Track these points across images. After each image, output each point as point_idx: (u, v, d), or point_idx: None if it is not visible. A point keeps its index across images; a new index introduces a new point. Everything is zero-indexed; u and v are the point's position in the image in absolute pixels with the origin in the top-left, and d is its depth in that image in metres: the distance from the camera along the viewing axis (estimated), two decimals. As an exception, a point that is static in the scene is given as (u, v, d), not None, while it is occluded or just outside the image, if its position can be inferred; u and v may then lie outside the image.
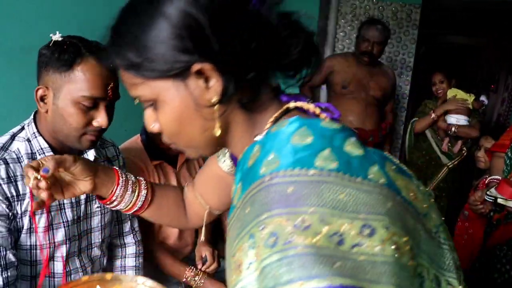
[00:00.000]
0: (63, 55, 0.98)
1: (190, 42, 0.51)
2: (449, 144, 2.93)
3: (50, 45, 1.01)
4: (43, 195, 0.74)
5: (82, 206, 1.16)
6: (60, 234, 1.10)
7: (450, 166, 2.91)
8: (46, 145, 1.07)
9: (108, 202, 0.85)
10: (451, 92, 2.93)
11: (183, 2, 0.51)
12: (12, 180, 1.01)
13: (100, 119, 1.03)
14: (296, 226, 0.44)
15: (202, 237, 0.95)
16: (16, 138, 1.07)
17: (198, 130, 0.58)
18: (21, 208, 1.02)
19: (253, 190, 0.50)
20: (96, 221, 1.21)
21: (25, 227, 1.04)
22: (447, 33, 4.69)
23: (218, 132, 0.57)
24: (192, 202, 0.94)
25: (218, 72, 0.52)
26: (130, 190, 0.85)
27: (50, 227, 1.07)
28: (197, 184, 0.93)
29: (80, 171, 0.79)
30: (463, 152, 2.90)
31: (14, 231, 1.03)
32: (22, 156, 1.05)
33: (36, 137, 1.07)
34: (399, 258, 0.45)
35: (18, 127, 1.10)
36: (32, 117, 1.10)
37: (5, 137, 1.06)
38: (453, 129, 2.84)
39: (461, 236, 1.95)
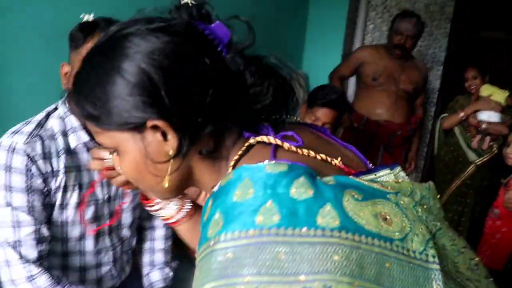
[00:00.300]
0: (78, 33, 0.99)
1: (144, 99, 0.51)
2: (479, 141, 2.85)
3: (78, 24, 1.03)
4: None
5: (114, 186, 1.17)
6: (90, 212, 1.12)
7: (478, 164, 2.83)
8: (77, 124, 1.08)
9: (150, 205, 0.82)
10: (485, 89, 2.84)
11: (138, 60, 0.51)
12: (47, 156, 1.03)
13: None
14: None
15: None
16: (51, 116, 1.09)
17: (156, 180, 0.58)
18: (55, 184, 1.04)
19: (202, 254, 0.48)
20: (127, 201, 1.23)
21: (58, 203, 1.06)
22: (481, 27, 4.54)
23: (166, 184, 0.58)
24: None
25: (172, 128, 0.53)
26: (176, 199, 0.82)
27: (81, 204, 1.09)
28: None
29: None
30: (494, 150, 2.82)
31: (48, 207, 1.05)
32: (56, 134, 1.06)
33: (68, 116, 1.09)
34: None
35: (53, 106, 1.12)
36: (65, 96, 1.12)
37: (41, 115, 1.09)
38: (483, 126, 2.76)
39: (492, 235, 1.90)
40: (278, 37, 3.34)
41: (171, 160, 0.55)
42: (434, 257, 0.48)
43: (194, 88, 0.52)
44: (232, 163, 0.57)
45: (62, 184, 1.05)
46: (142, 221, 1.38)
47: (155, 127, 0.53)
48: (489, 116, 2.78)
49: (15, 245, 0.99)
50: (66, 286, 1.05)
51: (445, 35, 3.39)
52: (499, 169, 2.90)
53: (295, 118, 0.73)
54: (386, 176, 0.59)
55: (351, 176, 0.53)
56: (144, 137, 0.54)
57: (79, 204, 1.09)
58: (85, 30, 0.98)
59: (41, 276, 1.01)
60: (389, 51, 2.65)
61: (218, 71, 0.54)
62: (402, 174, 0.62)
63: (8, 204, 0.99)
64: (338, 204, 0.46)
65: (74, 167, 1.08)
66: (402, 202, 0.51)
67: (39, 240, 1.01)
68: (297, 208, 0.45)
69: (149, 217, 1.38)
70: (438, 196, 0.60)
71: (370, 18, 3.63)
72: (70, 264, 1.14)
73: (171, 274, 1.39)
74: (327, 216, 0.45)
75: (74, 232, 1.11)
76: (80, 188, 1.09)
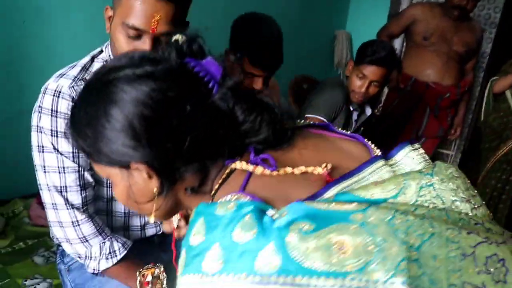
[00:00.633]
0: None
1: (127, 144, 0.54)
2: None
3: None
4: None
5: None
6: None
7: (528, 131, 2.71)
8: None
9: None
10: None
11: (123, 107, 0.53)
12: None
13: None
14: None
15: None
16: (96, 59, 1.07)
17: (145, 211, 0.64)
18: None
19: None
20: None
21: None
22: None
23: (152, 220, 0.63)
24: None
25: (154, 171, 0.56)
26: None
27: None
28: None
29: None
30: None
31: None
32: None
33: (112, 56, 1.06)
34: None
35: (98, 49, 1.10)
36: (109, 40, 1.10)
37: (86, 58, 1.07)
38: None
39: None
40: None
41: (155, 198, 0.60)
42: (403, 284, 0.42)
43: (174, 135, 0.55)
44: (213, 191, 0.60)
45: None
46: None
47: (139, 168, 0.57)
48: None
49: (62, 190, 1.00)
50: (107, 238, 1.06)
51: (501, -5, 3.19)
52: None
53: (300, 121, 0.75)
54: (379, 169, 0.58)
55: (307, 202, 0.50)
56: (131, 174, 0.58)
57: None
58: None
59: (85, 224, 1.03)
60: (445, 10, 2.52)
61: (204, 114, 0.56)
62: (413, 154, 0.62)
63: (55, 149, 0.99)
64: (280, 243, 0.44)
65: None
66: (370, 219, 0.46)
67: (83, 186, 1.02)
68: (238, 253, 0.45)
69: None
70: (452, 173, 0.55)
71: (420, -25, 3.45)
72: (114, 210, 1.14)
73: None
74: (266, 260, 0.44)
75: None
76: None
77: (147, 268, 1.02)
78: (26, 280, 1.59)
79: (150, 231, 1.23)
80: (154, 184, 0.58)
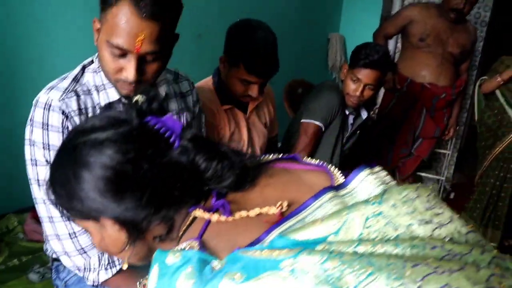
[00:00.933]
0: None
1: (96, 201, 0.60)
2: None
3: None
4: None
5: None
6: None
7: (523, 127, 2.71)
8: (107, 81, 1.05)
9: None
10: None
11: (92, 170, 0.59)
12: (83, 112, 1.02)
13: (126, 72, 0.95)
14: None
15: None
16: (86, 70, 1.07)
17: (121, 258, 0.69)
18: None
19: None
20: None
21: None
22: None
23: (125, 266, 0.68)
24: None
25: (120, 224, 0.62)
26: None
27: None
28: None
29: None
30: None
31: None
32: (91, 88, 1.05)
33: (100, 71, 1.05)
34: None
35: (89, 59, 1.09)
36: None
37: (77, 69, 1.06)
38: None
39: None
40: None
41: (127, 247, 0.64)
42: None
43: (136, 191, 0.60)
44: (178, 239, 0.65)
45: None
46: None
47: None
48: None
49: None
50: None
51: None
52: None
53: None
54: (327, 202, 0.60)
55: (242, 251, 0.52)
56: (104, 226, 0.64)
57: None
58: None
59: (83, 235, 1.02)
60: (441, 12, 2.53)
61: (163, 169, 0.61)
62: (370, 178, 0.63)
63: (48, 162, 0.98)
64: None
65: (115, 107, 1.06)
66: (301, 266, 0.46)
67: None
68: None
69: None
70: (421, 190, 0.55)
71: (411, -24, 3.46)
72: None
73: None
74: None
75: None
76: None
77: (147, 278, 1.00)
78: (21, 298, 1.55)
79: None
80: (123, 236, 0.63)
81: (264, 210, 0.61)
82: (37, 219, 1.82)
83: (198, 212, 0.63)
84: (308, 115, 1.89)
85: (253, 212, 0.61)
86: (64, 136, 0.99)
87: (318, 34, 3.47)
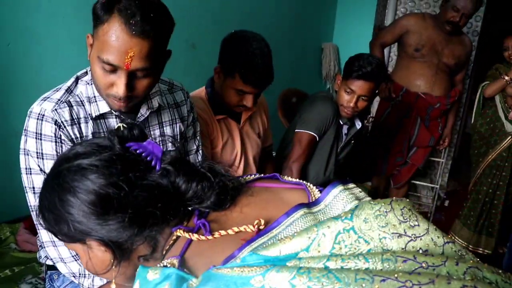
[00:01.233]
0: (98, 8, 0.93)
1: (81, 224, 0.63)
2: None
3: None
4: None
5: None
6: None
7: (515, 135, 2.74)
8: (98, 94, 1.07)
9: None
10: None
11: (76, 194, 0.62)
12: (76, 122, 1.04)
13: (116, 87, 0.97)
14: None
15: None
16: (80, 81, 1.09)
17: (108, 278, 0.71)
18: None
19: None
20: None
21: None
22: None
23: (113, 286, 0.70)
24: None
25: (105, 245, 0.64)
26: None
27: None
28: None
29: None
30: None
31: None
32: (84, 100, 1.07)
33: (92, 83, 1.07)
34: None
35: (83, 71, 1.11)
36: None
37: (71, 80, 1.09)
38: (522, 96, 2.65)
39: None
40: (308, 8, 3.27)
41: (113, 267, 0.67)
42: None
43: (119, 213, 0.62)
44: (161, 258, 0.67)
45: None
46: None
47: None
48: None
49: None
50: None
51: (482, 4, 3.25)
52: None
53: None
54: (298, 219, 0.61)
55: (216, 269, 0.53)
56: (90, 248, 0.66)
57: None
58: (104, 8, 0.91)
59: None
60: (437, 23, 2.56)
61: (144, 191, 0.64)
62: (342, 195, 0.65)
63: (42, 170, 1.01)
64: None
65: (103, 132, 1.09)
66: (270, 283, 0.48)
67: None
68: None
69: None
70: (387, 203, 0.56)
71: (403, -13, 3.51)
72: None
73: None
74: None
75: None
76: None
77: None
78: (13, 310, 1.54)
79: None
80: (109, 256, 0.66)
81: (242, 228, 0.63)
82: (30, 229, 1.81)
83: (180, 232, 0.66)
84: (302, 125, 1.90)
85: (231, 231, 0.64)
86: (57, 145, 1.02)
87: (312, 44, 3.49)
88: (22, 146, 1.02)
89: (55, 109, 1.01)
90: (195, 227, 0.67)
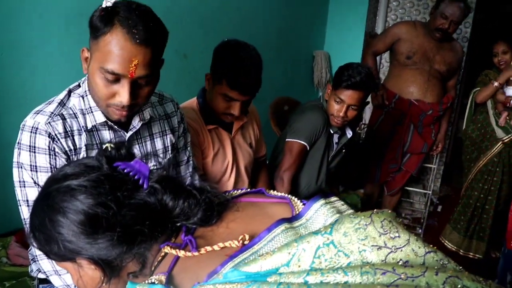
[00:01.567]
0: (97, 20, 0.93)
1: (71, 243, 0.64)
2: (508, 118, 2.77)
3: (98, 8, 0.98)
4: None
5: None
6: None
7: (505, 141, 2.76)
8: (94, 105, 1.08)
9: None
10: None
11: (66, 215, 0.64)
12: (69, 135, 1.05)
13: (119, 96, 0.98)
14: None
15: None
16: (72, 94, 1.09)
17: None
18: None
19: None
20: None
21: None
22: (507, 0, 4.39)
23: None
24: None
25: (94, 263, 0.66)
26: None
27: None
28: None
29: None
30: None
31: None
32: (77, 112, 1.08)
33: (87, 95, 1.08)
34: None
35: (76, 84, 1.12)
36: (87, 79, 1.10)
37: (63, 93, 1.09)
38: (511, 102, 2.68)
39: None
40: (299, 16, 3.29)
41: (103, 285, 0.68)
42: None
43: (107, 231, 0.63)
44: (150, 274, 0.68)
45: None
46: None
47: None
48: (517, 92, 2.70)
49: None
50: None
51: (471, 10, 3.29)
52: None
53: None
54: (279, 235, 0.62)
55: (199, 286, 0.55)
56: (81, 266, 0.67)
57: None
58: (103, 20, 0.92)
59: None
60: (428, 30, 2.59)
61: (132, 210, 0.65)
62: (324, 209, 0.66)
63: (35, 183, 1.02)
64: None
65: (96, 144, 1.09)
66: None
67: None
68: None
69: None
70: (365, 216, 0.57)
71: (393, -6, 3.55)
72: None
73: None
74: None
75: None
76: None
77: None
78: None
79: None
80: (99, 274, 0.67)
81: (227, 243, 0.64)
82: (21, 243, 1.79)
83: (168, 249, 0.67)
84: (292, 134, 1.91)
85: (217, 247, 0.65)
86: (51, 158, 1.02)
87: (303, 52, 3.51)
88: (15, 159, 1.03)
89: (49, 122, 1.02)
90: (183, 243, 0.68)
